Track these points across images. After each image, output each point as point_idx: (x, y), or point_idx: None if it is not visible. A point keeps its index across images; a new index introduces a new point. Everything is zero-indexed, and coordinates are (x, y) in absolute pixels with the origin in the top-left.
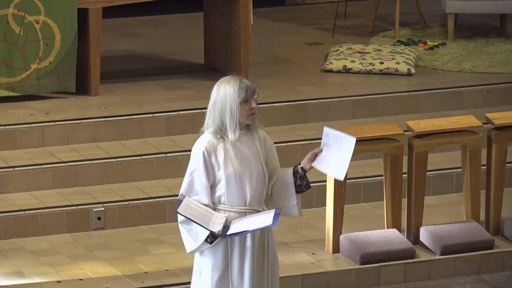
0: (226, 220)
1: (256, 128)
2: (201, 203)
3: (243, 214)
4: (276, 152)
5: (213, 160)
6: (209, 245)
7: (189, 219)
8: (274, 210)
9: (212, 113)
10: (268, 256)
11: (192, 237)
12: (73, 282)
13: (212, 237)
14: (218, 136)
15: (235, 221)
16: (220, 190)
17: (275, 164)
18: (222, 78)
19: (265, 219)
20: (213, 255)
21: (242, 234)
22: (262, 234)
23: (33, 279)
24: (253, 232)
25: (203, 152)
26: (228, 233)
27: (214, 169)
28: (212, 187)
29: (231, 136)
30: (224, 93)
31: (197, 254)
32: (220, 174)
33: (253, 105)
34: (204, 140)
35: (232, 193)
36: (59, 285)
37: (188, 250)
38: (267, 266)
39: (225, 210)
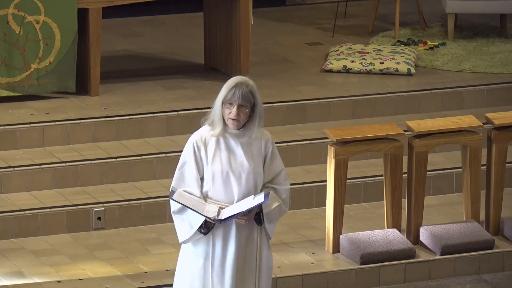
0: (219, 209)
1: (255, 130)
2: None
3: None
4: (274, 163)
5: (203, 154)
6: (202, 235)
7: (185, 206)
8: (263, 191)
9: (213, 104)
10: (258, 254)
11: (185, 226)
12: (73, 282)
13: (205, 228)
14: (213, 129)
15: (226, 208)
16: (207, 184)
17: (272, 172)
18: (237, 76)
19: (256, 198)
20: (195, 244)
21: (237, 216)
22: (249, 228)
23: (33, 279)
24: (246, 212)
25: (193, 145)
26: (222, 217)
27: (203, 163)
28: (201, 180)
29: (215, 129)
30: (221, 90)
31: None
32: (208, 169)
33: (233, 111)
34: (197, 134)
35: (218, 189)
36: (59, 285)
37: (180, 239)
38: (256, 264)
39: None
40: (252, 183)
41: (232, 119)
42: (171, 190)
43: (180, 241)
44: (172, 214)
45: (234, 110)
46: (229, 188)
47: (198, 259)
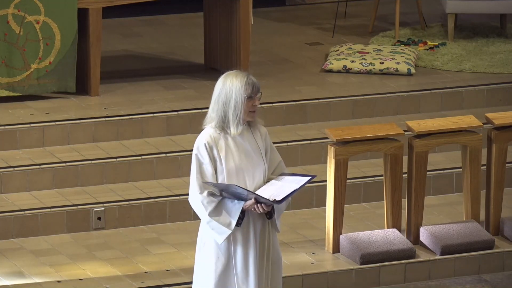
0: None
1: (257, 124)
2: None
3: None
4: (273, 155)
5: (215, 154)
6: (237, 227)
7: (232, 185)
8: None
9: (216, 105)
10: (270, 251)
11: (224, 222)
12: (73, 282)
13: (241, 218)
14: (220, 130)
15: (260, 191)
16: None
17: (273, 163)
18: (229, 72)
19: (299, 179)
20: (216, 246)
21: (291, 195)
22: (263, 225)
23: (33, 279)
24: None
25: (205, 145)
26: (279, 198)
27: (216, 162)
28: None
29: (233, 130)
30: (230, 86)
31: (198, 248)
32: (221, 168)
33: (256, 102)
34: (205, 134)
35: None
36: (59, 285)
37: (220, 239)
38: (266, 260)
39: None
40: (262, 174)
41: (254, 111)
42: (198, 194)
43: (220, 242)
44: (208, 218)
45: (256, 101)
46: (243, 183)
47: (221, 259)
